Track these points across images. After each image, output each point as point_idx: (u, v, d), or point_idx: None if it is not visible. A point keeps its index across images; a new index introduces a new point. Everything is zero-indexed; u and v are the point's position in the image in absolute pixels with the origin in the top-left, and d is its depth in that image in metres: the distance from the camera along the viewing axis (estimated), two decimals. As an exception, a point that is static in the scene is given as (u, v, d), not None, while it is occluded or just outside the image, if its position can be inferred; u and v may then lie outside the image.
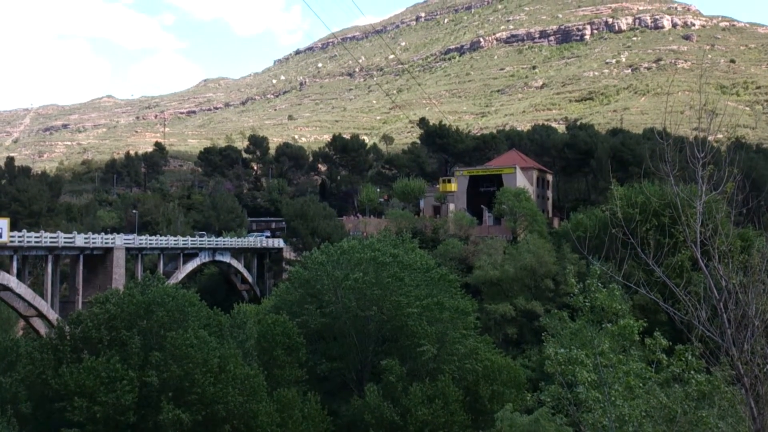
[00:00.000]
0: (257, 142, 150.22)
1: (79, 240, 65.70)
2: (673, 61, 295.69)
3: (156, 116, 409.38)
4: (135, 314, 39.59)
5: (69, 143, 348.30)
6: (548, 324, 43.09)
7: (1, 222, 57.93)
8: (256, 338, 44.07)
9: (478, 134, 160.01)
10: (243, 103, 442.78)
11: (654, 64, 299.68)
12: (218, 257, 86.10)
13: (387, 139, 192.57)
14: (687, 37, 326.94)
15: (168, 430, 34.60)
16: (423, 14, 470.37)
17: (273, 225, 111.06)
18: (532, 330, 64.52)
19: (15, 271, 58.84)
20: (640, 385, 15.33)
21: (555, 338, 20.92)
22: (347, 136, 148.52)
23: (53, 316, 60.30)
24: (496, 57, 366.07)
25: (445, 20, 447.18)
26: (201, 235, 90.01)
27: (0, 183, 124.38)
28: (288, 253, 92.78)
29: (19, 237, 59.64)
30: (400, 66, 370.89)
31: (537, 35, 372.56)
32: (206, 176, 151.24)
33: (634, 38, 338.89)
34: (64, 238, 64.18)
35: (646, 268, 13.29)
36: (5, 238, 57.09)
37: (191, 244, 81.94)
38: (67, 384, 35.54)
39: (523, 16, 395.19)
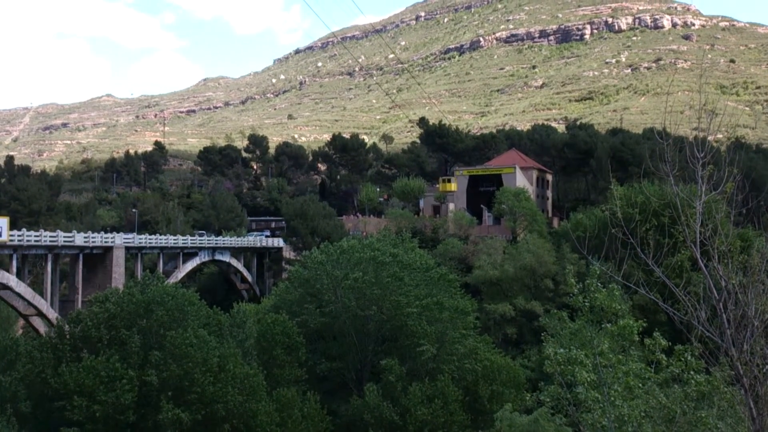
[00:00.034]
0: (257, 142, 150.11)
1: (79, 239, 65.74)
2: (673, 61, 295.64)
3: (156, 115, 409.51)
4: (134, 313, 39.61)
5: (69, 142, 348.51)
6: (548, 324, 43.10)
7: (0, 221, 57.96)
8: (256, 338, 44.08)
9: (478, 134, 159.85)
10: (243, 103, 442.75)
11: (654, 64, 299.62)
12: (218, 256, 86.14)
13: (387, 138, 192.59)
14: (687, 37, 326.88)
15: (167, 430, 34.62)
16: (423, 14, 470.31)
17: (273, 224, 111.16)
18: (532, 330, 64.50)
19: (14, 270, 58.92)
20: (640, 385, 15.34)
21: (554, 338, 20.91)
22: (347, 136, 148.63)
23: (53, 315, 60.32)
24: (495, 56, 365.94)
25: (445, 20, 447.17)
26: (201, 235, 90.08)
27: (0, 182, 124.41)
28: (287, 253, 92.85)
29: (18, 236, 59.66)
30: (399, 65, 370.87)
31: (537, 35, 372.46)
32: (206, 175, 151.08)
33: (634, 38, 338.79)
34: (64, 237, 64.23)
35: (645, 268, 13.27)
36: (5, 237, 57.12)
37: (191, 243, 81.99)
38: (66, 383, 35.55)
39: (523, 16, 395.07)
